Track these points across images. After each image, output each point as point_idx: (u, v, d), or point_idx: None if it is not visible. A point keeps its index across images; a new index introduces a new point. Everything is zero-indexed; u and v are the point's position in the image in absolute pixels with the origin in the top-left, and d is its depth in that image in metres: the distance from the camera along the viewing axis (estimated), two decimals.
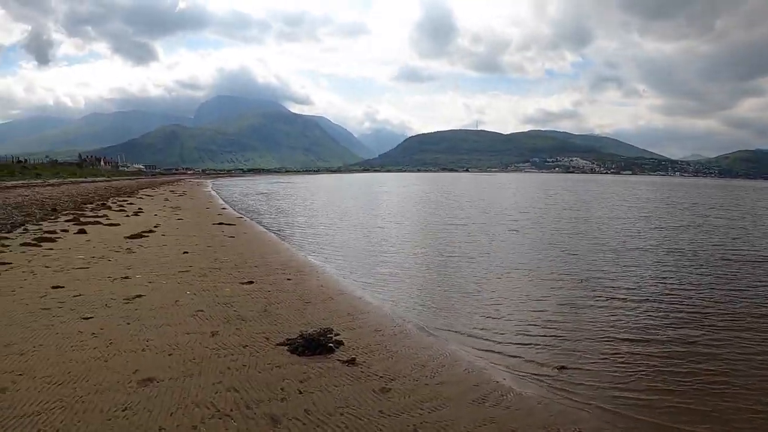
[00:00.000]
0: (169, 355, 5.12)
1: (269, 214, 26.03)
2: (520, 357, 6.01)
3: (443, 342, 6.33)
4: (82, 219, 17.10)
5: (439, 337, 6.53)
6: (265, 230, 18.01)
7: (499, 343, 6.49)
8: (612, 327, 7.20)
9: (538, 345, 6.44)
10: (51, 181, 55.79)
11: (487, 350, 6.20)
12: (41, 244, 11.68)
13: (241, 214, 24.60)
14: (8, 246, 11.24)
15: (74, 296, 7.20)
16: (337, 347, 5.63)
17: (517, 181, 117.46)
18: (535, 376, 5.45)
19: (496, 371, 5.49)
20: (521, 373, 5.51)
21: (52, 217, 17.54)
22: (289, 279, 9.18)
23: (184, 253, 11.28)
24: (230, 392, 4.40)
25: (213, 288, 8.04)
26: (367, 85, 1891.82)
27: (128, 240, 12.97)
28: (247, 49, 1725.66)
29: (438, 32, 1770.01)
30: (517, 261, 12.34)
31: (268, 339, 5.78)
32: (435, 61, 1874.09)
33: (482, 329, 7.00)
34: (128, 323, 6.05)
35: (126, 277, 8.53)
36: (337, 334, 5.98)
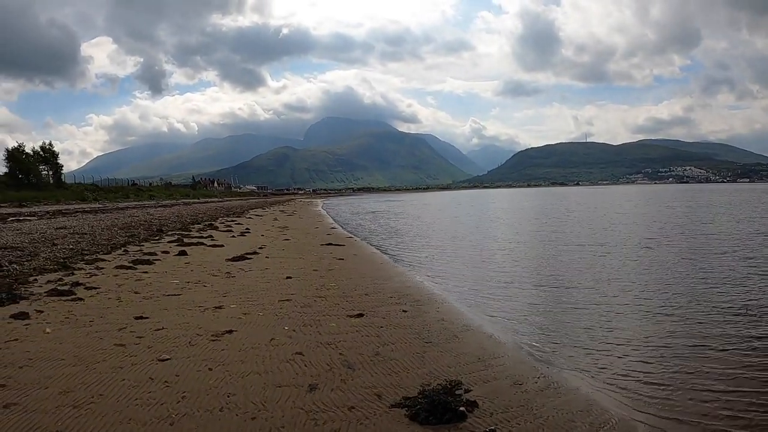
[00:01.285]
0: (252, 419, 4.06)
1: (380, 233, 25.32)
2: (704, 424, 4.52)
3: (605, 402, 4.86)
4: (185, 240, 17.08)
5: (596, 395, 5.07)
6: (376, 251, 17.14)
7: (677, 404, 4.94)
8: None
9: (721, 406, 4.88)
10: (164, 202, 59.03)
11: (662, 414, 4.71)
12: (137, 266, 11.39)
13: (351, 233, 24.07)
14: (102, 268, 11.02)
15: (156, 330, 6.46)
16: (470, 411, 4.33)
17: (633, 194, 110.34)
18: None
19: None
20: None
21: (156, 238, 17.69)
22: (404, 311, 8.00)
23: (287, 278, 10.50)
24: None
25: (316, 322, 7.04)
26: (473, 101, 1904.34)
27: (229, 263, 12.47)
28: (351, 71, 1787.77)
29: (541, 44, 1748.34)
30: (662, 288, 10.40)
31: (380, 397, 4.60)
32: (540, 74, 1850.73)
33: (647, 384, 5.44)
34: (210, 369, 5.13)
35: (219, 307, 7.76)
36: (468, 390, 4.72)
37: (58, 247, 14.29)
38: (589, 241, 19.40)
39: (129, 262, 11.83)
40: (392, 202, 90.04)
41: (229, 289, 9.23)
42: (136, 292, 8.73)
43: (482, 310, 8.80)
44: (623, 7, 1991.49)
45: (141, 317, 7.05)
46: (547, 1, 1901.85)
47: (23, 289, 8.78)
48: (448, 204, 75.23)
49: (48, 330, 6.44)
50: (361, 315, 7.50)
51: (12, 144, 60.77)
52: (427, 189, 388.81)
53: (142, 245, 15.44)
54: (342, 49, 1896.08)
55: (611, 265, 13.40)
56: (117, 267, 11.21)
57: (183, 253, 13.76)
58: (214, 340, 6.06)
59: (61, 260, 11.80)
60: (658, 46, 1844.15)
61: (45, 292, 8.47)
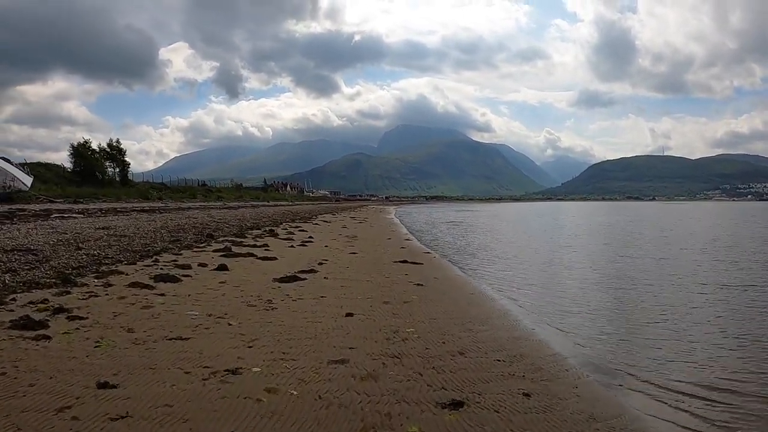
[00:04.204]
0: None
1: (461, 249, 22.28)
2: None
3: None
4: (234, 249, 14.72)
5: None
6: (460, 273, 14.19)
7: None
8: None
9: None
10: (230, 204, 58.09)
11: None
12: (156, 285, 8.98)
13: (428, 248, 21.14)
14: (112, 285, 8.68)
15: (113, 419, 3.85)
16: None
17: (720, 211, 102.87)
18: None
19: None
20: None
21: (202, 245, 15.46)
22: (525, 394, 4.93)
23: (348, 315, 7.68)
24: None
25: (384, 420, 4.12)
26: (548, 112, 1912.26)
27: (276, 284, 9.88)
28: (423, 79, 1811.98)
29: (617, 53, 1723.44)
30: None
31: None
32: (615, 84, 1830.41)
33: None
34: None
35: (234, 372, 4.99)
36: None
37: (82, 251, 12.23)
38: (727, 277, 14.97)
39: (150, 278, 9.47)
40: (466, 212, 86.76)
41: (261, 331, 6.52)
42: (129, 331, 6.19)
43: (648, 394, 5.52)
44: (701, 14, 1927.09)
45: (106, 385, 4.45)
46: (622, 8, 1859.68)
47: None
48: (526, 217, 71.62)
49: None
50: (459, 404, 4.52)
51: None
52: (500, 200, 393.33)
53: (180, 254, 13.17)
54: (415, 57, 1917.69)
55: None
56: (130, 285, 8.81)
57: (223, 268, 11.29)
58: None
59: (67, 271, 9.58)
60: (738, 55, 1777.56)
61: (9, 322, 6.14)
